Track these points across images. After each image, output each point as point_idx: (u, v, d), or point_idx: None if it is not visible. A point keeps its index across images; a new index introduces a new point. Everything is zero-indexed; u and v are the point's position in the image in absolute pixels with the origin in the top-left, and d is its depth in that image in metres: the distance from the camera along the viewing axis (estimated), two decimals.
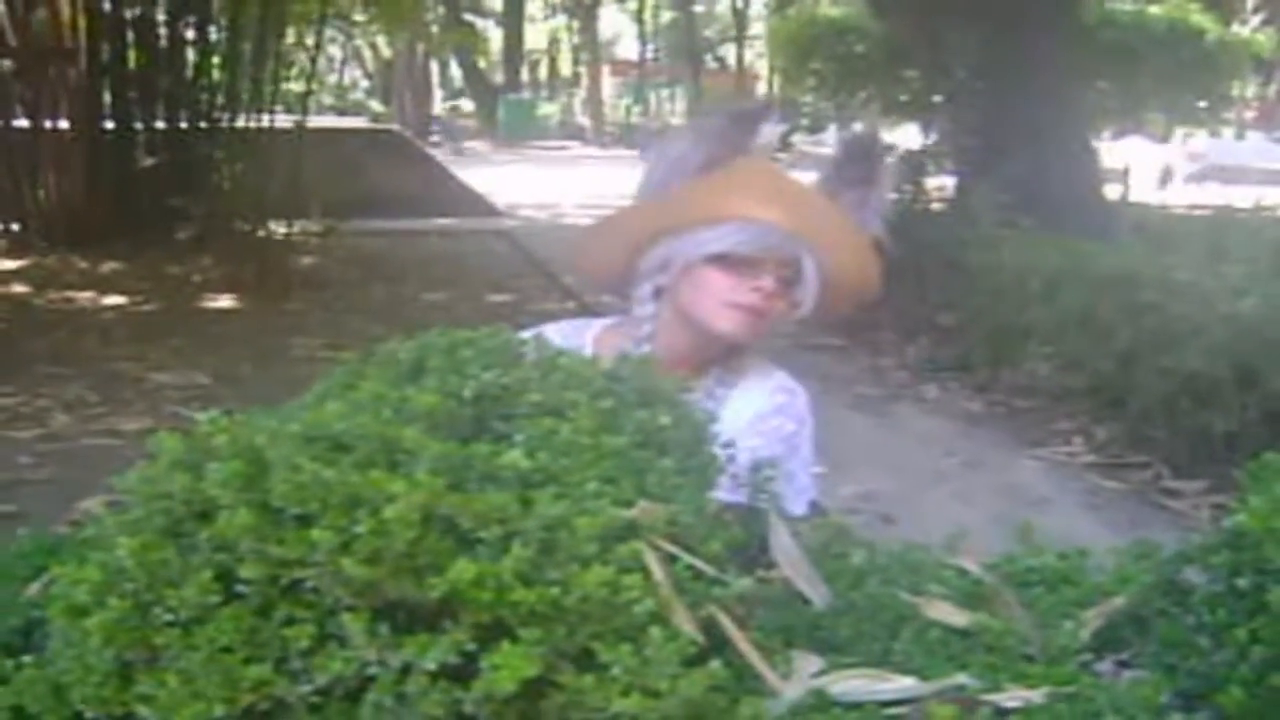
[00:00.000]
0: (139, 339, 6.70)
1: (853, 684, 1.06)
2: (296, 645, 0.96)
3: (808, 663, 1.11)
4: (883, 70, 10.13)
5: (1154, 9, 10.52)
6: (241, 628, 0.95)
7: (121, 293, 8.01)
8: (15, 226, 9.54)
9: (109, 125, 9.59)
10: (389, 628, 0.95)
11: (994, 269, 4.27)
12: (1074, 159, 6.26)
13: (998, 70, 5.20)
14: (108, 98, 9.63)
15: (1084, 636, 1.15)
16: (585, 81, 38.78)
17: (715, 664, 0.97)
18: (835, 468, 1.94)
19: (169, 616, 0.97)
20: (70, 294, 8.02)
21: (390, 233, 10.91)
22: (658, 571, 1.02)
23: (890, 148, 1.93)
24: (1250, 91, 23.41)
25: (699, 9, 41.57)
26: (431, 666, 0.94)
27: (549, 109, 37.03)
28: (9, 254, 9.11)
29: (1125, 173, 12.41)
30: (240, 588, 0.97)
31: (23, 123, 9.45)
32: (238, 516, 0.91)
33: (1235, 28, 14.68)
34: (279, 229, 9.05)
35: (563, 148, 31.71)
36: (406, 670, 0.95)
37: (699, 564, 1.07)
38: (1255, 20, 19.57)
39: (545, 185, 17.55)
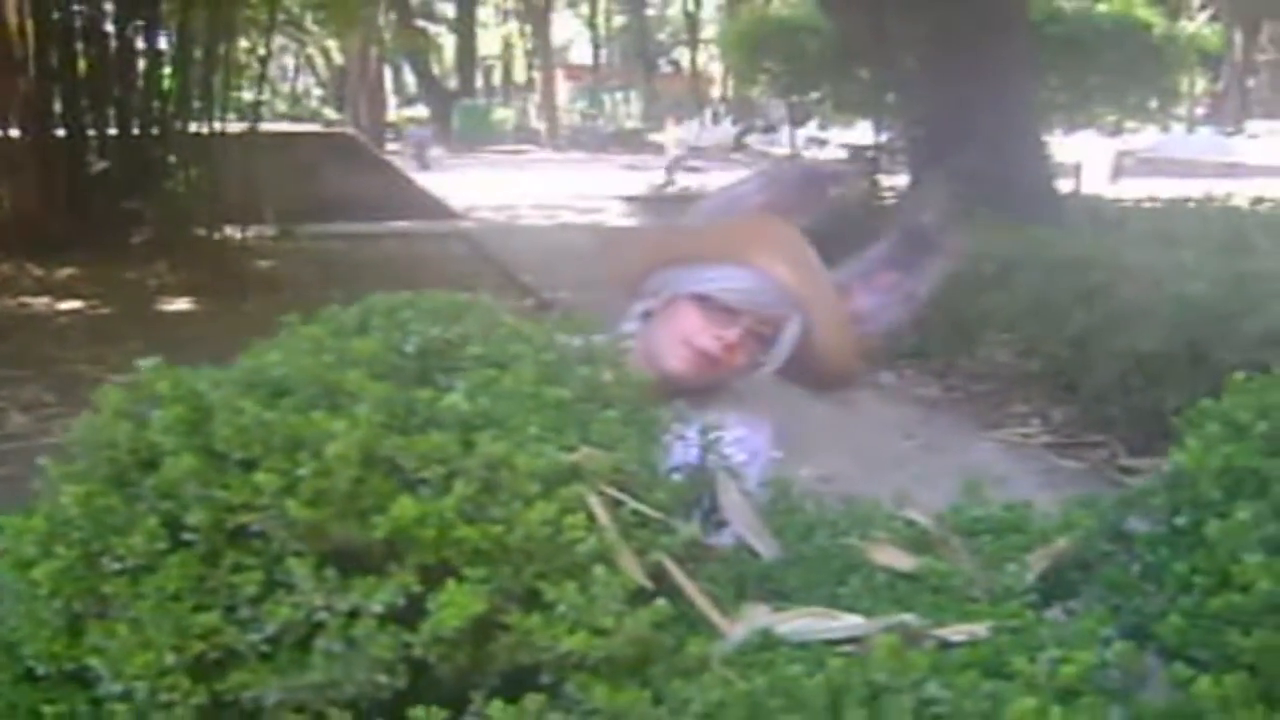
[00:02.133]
0: (96, 342, 6.62)
1: (799, 624, 1.07)
2: (245, 592, 0.96)
3: (756, 612, 1.12)
4: (834, 68, 10.18)
5: (1101, 6, 10.67)
6: (189, 575, 0.95)
7: (78, 297, 7.91)
8: None
9: (60, 133, 9.47)
10: (336, 572, 0.96)
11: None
12: (1024, 151, 6.33)
13: (943, 60, 5.26)
14: (58, 105, 9.51)
15: (1029, 579, 1.17)
16: (539, 86, 38.76)
17: (661, 602, 0.99)
18: (792, 452, 1.95)
19: (117, 565, 0.96)
20: (26, 299, 7.91)
21: (347, 236, 10.84)
22: (602, 516, 1.03)
23: (946, 238, 1.89)
24: (1199, 87, 23.77)
25: (651, 13, 41.67)
26: (379, 609, 0.94)
27: (504, 114, 36.97)
28: None
29: (1077, 167, 12.57)
30: (187, 536, 0.97)
31: None
32: (181, 461, 0.91)
33: (1182, 24, 14.93)
34: (234, 233, 8.97)
35: (518, 151, 31.67)
36: (355, 615, 0.96)
37: (645, 509, 1.08)
38: (1202, 18, 19.91)
39: (502, 188, 17.54)
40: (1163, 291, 3.40)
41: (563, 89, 40.99)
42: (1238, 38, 20.89)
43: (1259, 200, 7.53)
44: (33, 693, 1.01)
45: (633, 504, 1.06)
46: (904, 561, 1.19)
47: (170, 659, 0.94)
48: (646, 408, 1.26)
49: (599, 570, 0.96)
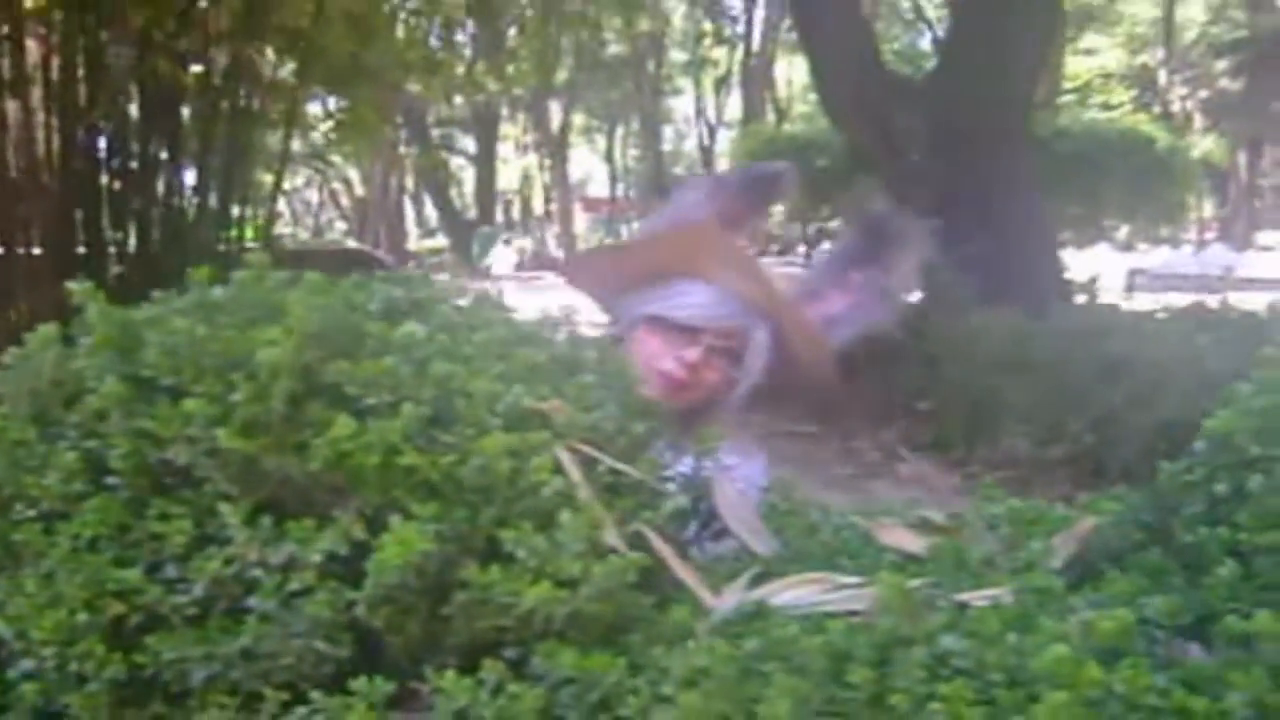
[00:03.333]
0: None
1: (797, 593, 0.95)
2: (172, 544, 0.85)
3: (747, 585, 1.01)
4: (844, 183, 10.31)
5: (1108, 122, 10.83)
6: (109, 522, 0.84)
7: None
8: None
9: (80, 249, 9.60)
10: (271, 521, 0.85)
11: (962, 339, 4.25)
12: (1037, 250, 6.30)
13: (949, 158, 5.29)
14: (80, 223, 9.67)
15: (1055, 564, 1.06)
16: (558, 218, 39.46)
17: (635, 555, 0.88)
18: None
19: (31, 512, 0.86)
20: None
21: None
22: (574, 472, 0.93)
23: (911, 230, 1.84)
24: (1208, 211, 24.01)
25: (667, 148, 42.61)
26: (317, 559, 0.83)
27: (522, 243, 37.53)
28: None
29: (1092, 281, 12.56)
30: (110, 480, 0.87)
31: None
32: (106, 387, 0.82)
33: (1187, 141, 15.12)
34: None
35: (537, 277, 32.06)
36: (292, 568, 0.85)
37: (623, 467, 0.97)
38: (1207, 141, 20.21)
39: (518, 306, 17.70)
40: (1181, 361, 3.30)
41: (581, 220, 41.68)
42: (1242, 159, 21.20)
43: (1276, 308, 7.43)
44: None
45: (610, 463, 0.96)
46: (914, 544, 1.08)
47: (83, 618, 0.83)
48: (632, 387, 1.16)
49: (565, 516, 0.85)
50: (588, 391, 1.03)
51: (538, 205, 46.02)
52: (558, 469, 0.89)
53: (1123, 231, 11.95)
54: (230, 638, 0.86)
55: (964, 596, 0.91)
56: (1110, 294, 12.91)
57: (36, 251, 9.58)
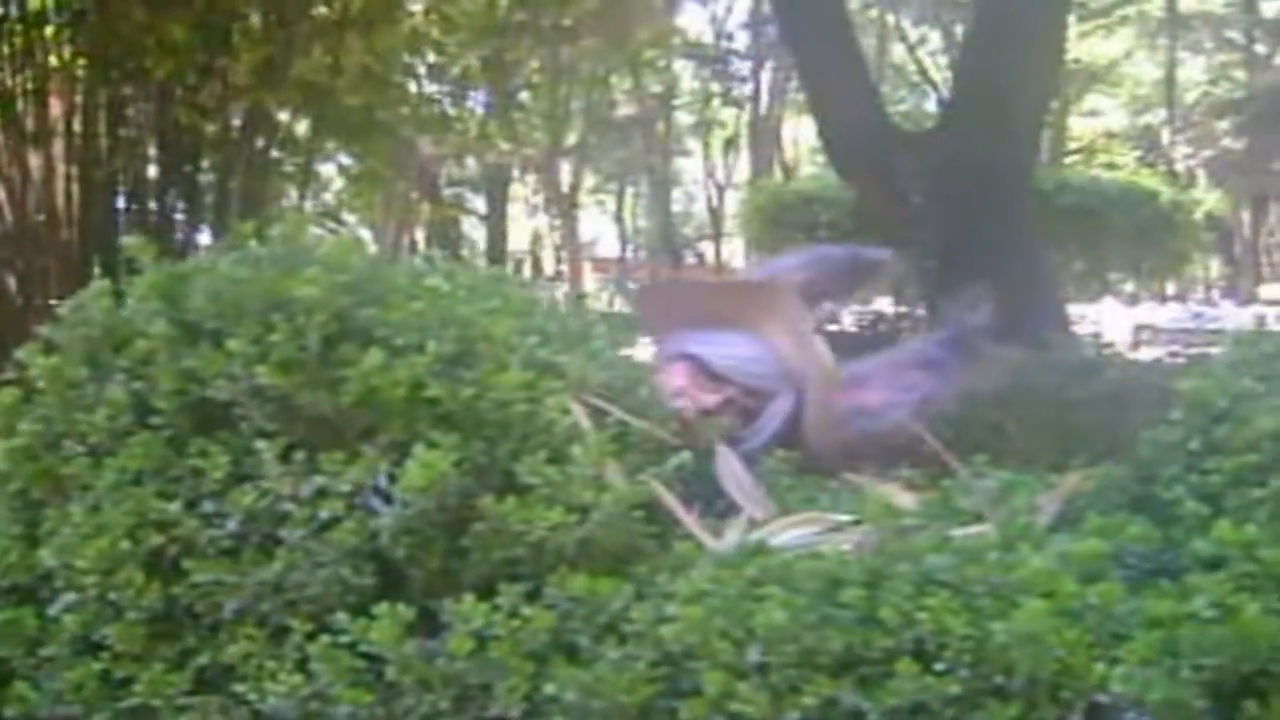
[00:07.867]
0: None
1: (795, 534, 1.01)
2: (210, 479, 0.91)
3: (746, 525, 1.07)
4: (849, 237, 10.35)
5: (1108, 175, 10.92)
6: (153, 456, 0.91)
7: None
8: None
9: None
10: (304, 455, 0.91)
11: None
12: (1040, 300, 6.32)
13: (951, 200, 5.36)
14: (97, 272, 9.80)
15: (1043, 521, 1.11)
16: (568, 278, 39.79)
17: (642, 479, 0.94)
18: None
19: (80, 448, 0.93)
20: None
21: None
22: (584, 421, 0.99)
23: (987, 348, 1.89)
24: (1215, 268, 24.13)
25: (677, 209, 43.01)
26: (347, 488, 0.89)
27: None
28: None
29: (1098, 336, 12.58)
30: (155, 420, 0.93)
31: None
32: (154, 327, 0.89)
33: (1191, 194, 15.21)
34: None
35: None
36: (322, 496, 0.90)
37: (631, 419, 1.04)
38: (1212, 199, 20.30)
39: None
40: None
41: (590, 279, 42.01)
42: (1245, 216, 21.35)
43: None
44: None
45: (619, 414, 1.03)
46: (904, 498, 1.14)
47: (125, 546, 0.89)
48: (643, 367, 1.23)
49: (576, 451, 0.91)
50: (599, 353, 1.10)
51: (548, 265, 46.41)
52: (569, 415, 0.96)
53: (1129, 286, 12.04)
54: (261, 568, 0.91)
55: (951, 532, 0.97)
56: (1116, 349, 12.92)
57: (54, 302, 9.78)
